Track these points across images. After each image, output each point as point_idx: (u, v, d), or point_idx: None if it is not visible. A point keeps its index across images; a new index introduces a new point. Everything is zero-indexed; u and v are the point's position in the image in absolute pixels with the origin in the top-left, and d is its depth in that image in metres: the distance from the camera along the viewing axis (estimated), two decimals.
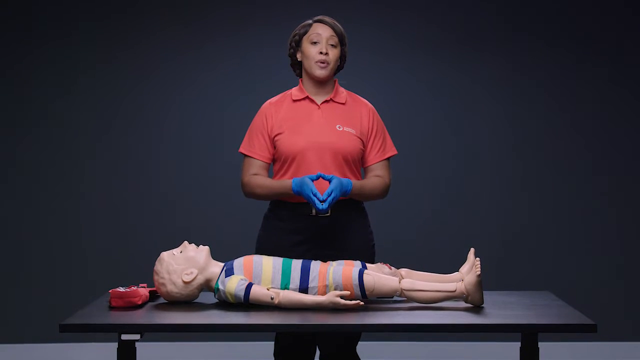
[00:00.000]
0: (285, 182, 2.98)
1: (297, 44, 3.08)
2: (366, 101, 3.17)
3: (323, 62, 3.02)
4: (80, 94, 4.61)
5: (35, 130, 4.62)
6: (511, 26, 4.65)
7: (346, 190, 2.93)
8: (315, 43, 3.04)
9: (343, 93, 3.13)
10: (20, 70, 4.60)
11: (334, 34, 3.05)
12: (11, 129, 4.61)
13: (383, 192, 3.11)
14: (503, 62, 4.66)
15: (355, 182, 2.99)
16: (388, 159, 3.14)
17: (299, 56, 3.09)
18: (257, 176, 3.06)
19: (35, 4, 4.59)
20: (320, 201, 2.85)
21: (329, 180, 2.90)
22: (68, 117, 4.61)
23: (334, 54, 3.05)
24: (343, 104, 3.11)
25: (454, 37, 4.64)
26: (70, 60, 4.60)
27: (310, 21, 3.08)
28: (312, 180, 2.89)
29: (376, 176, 3.10)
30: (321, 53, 3.02)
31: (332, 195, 2.87)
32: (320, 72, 3.03)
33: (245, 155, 3.10)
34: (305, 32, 3.06)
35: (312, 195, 2.86)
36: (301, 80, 3.12)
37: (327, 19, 3.08)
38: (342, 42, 3.08)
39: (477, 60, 4.65)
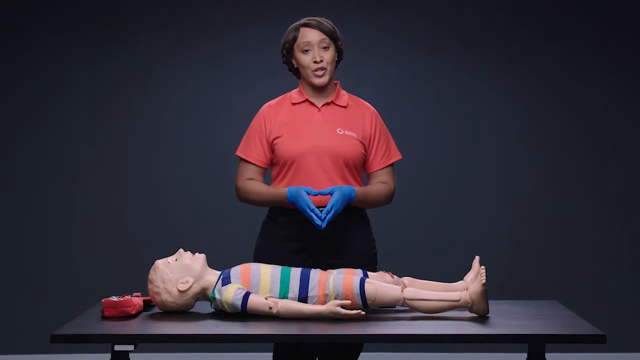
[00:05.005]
0: (280, 190, 2.94)
1: (289, 52, 3.02)
2: (369, 104, 3.12)
3: (319, 70, 2.96)
4: (74, 95, 4.62)
5: (25, 134, 4.61)
6: (512, 25, 4.65)
7: (349, 199, 2.89)
8: (307, 51, 2.97)
9: (345, 96, 3.08)
10: (16, 70, 4.59)
11: (323, 36, 2.98)
12: None
13: (388, 199, 3.07)
14: (506, 61, 4.65)
15: (358, 190, 2.94)
16: (392, 164, 3.09)
17: (294, 63, 3.03)
18: (252, 181, 3.01)
19: (32, 2, 4.58)
20: (319, 217, 2.80)
21: (330, 194, 2.84)
22: (59, 121, 4.61)
23: (328, 57, 2.98)
24: (344, 107, 3.05)
25: (454, 36, 4.65)
26: (67, 60, 4.59)
27: (297, 25, 3.01)
28: (310, 195, 2.84)
29: (381, 182, 3.04)
30: (315, 62, 2.96)
31: (333, 210, 2.83)
32: (318, 81, 2.98)
33: (241, 159, 3.05)
34: (295, 39, 2.99)
35: (308, 211, 2.83)
36: (301, 83, 3.06)
37: (313, 21, 3.00)
38: (334, 38, 3.00)
39: (478, 60, 4.65)
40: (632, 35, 4.64)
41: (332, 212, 2.82)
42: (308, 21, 2.99)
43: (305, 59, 2.97)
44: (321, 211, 2.85)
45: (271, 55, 4.39)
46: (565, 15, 4.64)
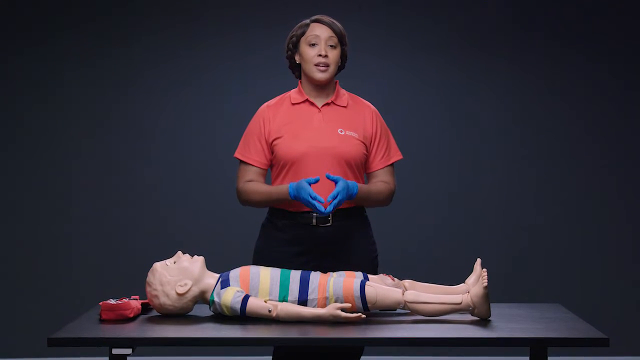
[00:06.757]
0: (282, 187, 2.91)
1: (295, 46, 3.00)
2: (369, 103, 3.10)
3: (323, 65, 2.94)
4: (73, 95, 4.60)
5: (23, 135, 4.59)
6: (516, 26, 4.64)
7: (352, 193, 2.87)
8: (313, 45, 2.95)
9: (345, 95, 3.06)
10: (15, 70, 4.57)
11: (332, 34, 2.97)
12: None
13: (388, 199, 3.05)
14: (506, 62, 4.64)
15: (361, 186, 2.92)
16: (393, 164, 3.06)
17: (297, 58, 3.01)
18: (252, 182, 2.99)
19: (32, 2, 4.57)
20: (322, 203, 2.77)
21: (335, 182, 2.82)
22: (57, 122, 4.58)
23: (333, 55, 2.96)
24: (345, 106, 3.03)
25: (458, 36, 4.64)
26: (65, 60, 4.57)
27: (308, 21, 3.01)
28: (310, 184, 2.81)
29: (381, 182, 3.02)
30: (320, 55, 2.93)
31: (338, 198, 2.81)
32: (320, 76, 2.95)
33: (241, 161, 3.02)
34: (303, 33, 2.98)
35: (310, 199, 2.80)
36: (300, 82, 3.04)
37: (325, 18, 2.99)
38: (342, 41, 2.99)
39: (480, 60, 4.64)
40: (632, 35, 4.62)
41: (337, 199, 2.80)
42: (320, 18, 2.99)
43: (311, 52, 2.95)
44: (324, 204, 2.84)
45: (272, 56, 4.40)
46: (566, 15, 4.63)
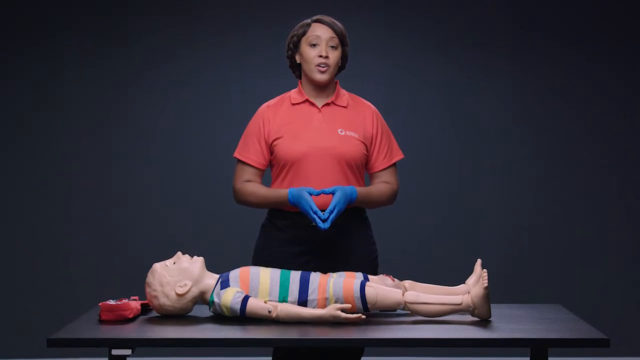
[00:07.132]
0: (280, 192, 2.90)
1: (296, 46, 3.00)
2: (369, 103, 3.09)
3: (323, 66, 2.93)
4: (70, 96, 4.58)
5: (23, 135, 4.58)
6: (516, 26, 4.63)
7: (351, 199, 2.86)
8: (314, 45, 2.95)
9: (345, 95, 3.05)
10: (14, 69, 4.57)
11: (334, 34, 2.96)
12: None
13: (391, 199, 3.05)
14: (506, 61, 4.63)
15: (360, 190, 2.91)
16: (395, 163, 3.06)
17: (297, 58, 3.01)
18: (250, 183, 2.98)
19: (32, 2, 4.57)
20: (322, 219, 2.77)
21: (332, 193, 2.81)
22: (57, 122, 4.57)
23: (334, 56, 2.95)
24: (345, 107, 3.02)
25: (458, 36, 4.63)
26: (65, 60, 4.57)
27: (309, 21, 3.00)
28: (312, 195, 2.81)
29: (383, 182, 3.02)
30: (321, 56, 2.93)
31: (335, 210, 2.80)
32: (320, 77, 2.94)
33: (239, 161, 3.02)
34: (304, 33, 2.97)
35: (311, 212, 2.80)
36: (300, 82, 3.04)
37: (326, 18, 2.99)
38: (342, 42, 2.99)
39: (482, 61, 4.63)
40: (632, 35, 4.62)
41: (334, 212, 2.79)
42: (321, 18, 2.98)
43: (311, 53, 2.94)
44: (323, 212, 2.83)
45: (272, 56, 4.39)
46: (566, 15, 4.62)
